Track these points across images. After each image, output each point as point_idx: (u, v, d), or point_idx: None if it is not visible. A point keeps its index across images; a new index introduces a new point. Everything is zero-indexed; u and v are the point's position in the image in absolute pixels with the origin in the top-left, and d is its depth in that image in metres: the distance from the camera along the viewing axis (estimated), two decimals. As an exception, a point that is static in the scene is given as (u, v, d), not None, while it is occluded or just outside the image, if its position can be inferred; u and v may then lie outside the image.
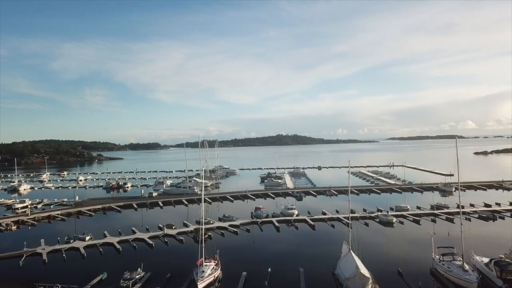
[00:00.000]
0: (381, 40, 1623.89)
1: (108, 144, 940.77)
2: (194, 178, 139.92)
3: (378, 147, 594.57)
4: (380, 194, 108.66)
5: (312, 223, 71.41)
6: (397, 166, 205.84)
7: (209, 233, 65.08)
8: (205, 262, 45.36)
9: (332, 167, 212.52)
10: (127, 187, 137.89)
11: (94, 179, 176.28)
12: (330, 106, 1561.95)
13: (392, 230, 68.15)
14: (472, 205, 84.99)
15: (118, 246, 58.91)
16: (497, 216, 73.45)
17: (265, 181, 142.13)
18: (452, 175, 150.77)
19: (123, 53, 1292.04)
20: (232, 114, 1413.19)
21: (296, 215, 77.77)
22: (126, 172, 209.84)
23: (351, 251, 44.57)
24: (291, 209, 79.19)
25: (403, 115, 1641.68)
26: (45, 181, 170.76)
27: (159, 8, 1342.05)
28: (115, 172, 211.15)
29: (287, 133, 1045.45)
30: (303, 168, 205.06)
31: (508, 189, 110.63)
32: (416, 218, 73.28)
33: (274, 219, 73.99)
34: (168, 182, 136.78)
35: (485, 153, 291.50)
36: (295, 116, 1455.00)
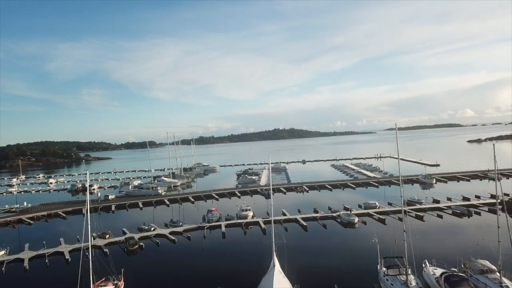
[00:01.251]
0: (377, 31, 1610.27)
1: (103, 143, 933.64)
2: (163, 178, 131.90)
3: (374, 138, 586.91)
4: (355, 189, 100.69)
5: (263, 226, 63.54)
6: (385, 157, 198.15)
7: (141, 243, 57.15)
8: (101, 285, 37.44)
9: (317, 160, 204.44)
10: (93, 190, 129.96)
11: (66, 182, 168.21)
12: (328, 98, 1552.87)
13: (350, 232, 60.22)
14: (449, 199, 77.28)
15: (25, 264, 50.72)
16: (473, 212, 65.40)
17: (239, 178, 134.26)
18: (438, 165, 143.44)
19: (118, 52, 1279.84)
20: (230, 110, 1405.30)
21: (252, 217, 70.13)
22: (104, 173, 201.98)
23: (275, 265, 36.75)
24: (245, 210, 71.22)
25: (402, 106, 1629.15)
26: (14, 185, 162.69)
27: (153, 6, 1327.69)
28: (92, 173, 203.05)
29: (284, 127, 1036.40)
30: (287, 163, 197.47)
31: (493, 179, 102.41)
32: (382, 217, 65.23)
33: (223, 223, 66.09)
34: (136, 182, 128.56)
35: (479, 141, 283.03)
36: (293, 110, 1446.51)
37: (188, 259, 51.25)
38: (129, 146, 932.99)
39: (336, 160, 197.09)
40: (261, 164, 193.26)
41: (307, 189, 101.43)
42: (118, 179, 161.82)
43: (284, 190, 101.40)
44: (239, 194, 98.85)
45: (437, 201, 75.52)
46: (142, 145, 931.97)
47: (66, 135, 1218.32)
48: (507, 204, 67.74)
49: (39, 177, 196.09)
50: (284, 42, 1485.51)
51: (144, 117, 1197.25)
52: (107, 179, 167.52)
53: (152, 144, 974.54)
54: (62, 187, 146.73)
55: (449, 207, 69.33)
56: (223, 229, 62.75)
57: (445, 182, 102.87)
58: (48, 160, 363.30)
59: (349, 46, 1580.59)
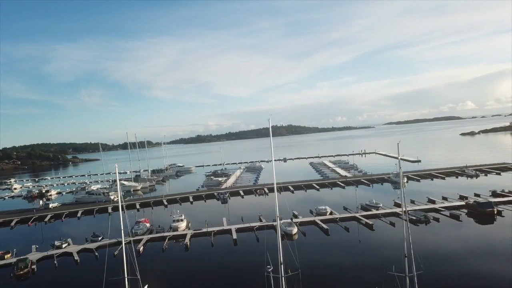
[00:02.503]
0: (375, 25, 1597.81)
1: (99, 144, 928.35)
2: (122, 182, 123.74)
3: (371, 133, 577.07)
4: (319, 190, 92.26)
5: (186, 241, 55.12)
6: (369, 153, 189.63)
7: (34, 266, 49.00)
8: None
9: (299, 158, 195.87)
10: (50, 195, 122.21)
11: (31, 187, 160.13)
12: (327, 94, 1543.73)
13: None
14: (412, 202, 68.90)
15: None
16: (431, 219, 56.85)
17: (205, 180, 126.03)
18: (419, 161, 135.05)
19: (116, 52, 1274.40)
20: (230, 107, 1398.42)
21: (186, 228, 62.13)
22: (78, 176, 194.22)
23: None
24: (177, 221, 62.96)
25: (402, 99, 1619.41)
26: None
27: (149, 5, 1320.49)
28: (65, 177, 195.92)
29: (284, 123, 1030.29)
30: (267, 161, 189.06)
31: (470, 176, 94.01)
32: (326, 226, 56.79)
33: (147, 237, 58.00)
34: (94, 187, 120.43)
35: (472, 133, 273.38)
36: (294, 106, 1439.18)
37: (88, 285, 42.91)
38: (126, 146, 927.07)
39: (318, 157, 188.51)
40: (240, 163, 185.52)
41: (267, 191, 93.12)
42: (85, 183, 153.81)
43: (242, 194, 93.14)
44: (191, 200, 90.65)
45: (398, 205, 67.08)
46: (138, 145, 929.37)
47: (66, 137, 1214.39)
48: (470, 208, 59.56)
49: (9, 182, 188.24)
50: (281, 38, 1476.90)
51: (144, 116, 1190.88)
52: (74, 183, 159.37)
53: (149, 144, 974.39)
54: (23, 193, 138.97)
55: (406, 212, 60.58)
56: (141, 245, 54.60)
57: (418, 180, 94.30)
58: (33, 163, 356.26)
59: (347, 41, 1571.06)
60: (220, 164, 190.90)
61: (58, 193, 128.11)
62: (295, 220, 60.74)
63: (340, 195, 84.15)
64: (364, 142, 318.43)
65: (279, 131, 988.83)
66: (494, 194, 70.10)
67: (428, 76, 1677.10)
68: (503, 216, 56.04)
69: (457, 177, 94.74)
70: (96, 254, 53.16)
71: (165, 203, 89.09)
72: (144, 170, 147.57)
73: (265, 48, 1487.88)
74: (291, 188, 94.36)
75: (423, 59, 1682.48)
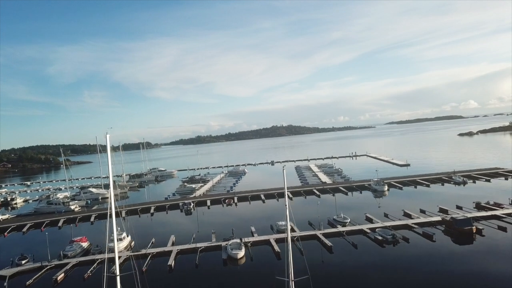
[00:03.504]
0: (375, 25, 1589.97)
1: (97, 146, 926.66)
2: (90, 189, 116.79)
3: (370, 133, 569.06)
4: (292, 199, 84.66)
5: (118, 264, 47.66)
6: (360, 155, 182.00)
7: None
8: None
9: (287, 161, 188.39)
10: (15, 204, 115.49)
11: (4, 193, 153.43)
12: (329, 94, 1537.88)
13: (224, 270, 44.52)
14: (386, 216, 61.67)
15: None
16: (400, 238, 49.22)
17: (178, 187, 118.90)
18: (408, 165, 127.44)
19: (118, 53, 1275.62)
20: (232, 107, 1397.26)
21: (122, 250, 54.99)
22: (58, 181, 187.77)
23: None
24: (117, 239, 55.49)
25: (404, 99, 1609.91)
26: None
27: (150, 6, 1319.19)
28: (45, 182, 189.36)
29: (285, 123, 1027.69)
30: (254, 165, 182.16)
31: (458, 183, 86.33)
32: (277, 248, 49.15)
33: (75, 260, 50.79)
34: (60, 195, 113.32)
35: (470, 134, 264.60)
36: (295, 106, 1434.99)
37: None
38: (124, 148, 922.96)
39: (307, 160, 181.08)
40: (226, 167, 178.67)
41: (236, 201, 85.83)
42: (60, 189, 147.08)
43: (209, 204, 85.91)
44: (152, 211, 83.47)
45: (370, 220, 59.66)
46: (137, 146, 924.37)
47: (67, 138, 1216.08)
48: (447, 225, 52.10)
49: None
50: (282, 38, 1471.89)
51: (146, 117, 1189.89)
52: (49, 189, 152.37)
53: (147, 145, 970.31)
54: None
55: (373, 230, 53.24)
56: (61, 273, 47.33)
57: (400, 188, 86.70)
58: (24, 166, 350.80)
59: (348, 41, 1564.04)
60: (206, 168, 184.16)
61: (25, 201, 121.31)
62: (246, 239, 53.25)
63: (311, 205, 76.53)
64: (360, 143, 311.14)
65: (279, 131, 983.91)
66: (478, 206, 62.59)
67: (429, 75, 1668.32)
68: (483, 236, 48.38)
69: (442, 184, 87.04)
70: (8, 283, 45.79)
71: (123, 215, 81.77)
72: (118, 176, 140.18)
73: (266, 48, 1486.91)
74: (263, 197, 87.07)
75: (425, 58, 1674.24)
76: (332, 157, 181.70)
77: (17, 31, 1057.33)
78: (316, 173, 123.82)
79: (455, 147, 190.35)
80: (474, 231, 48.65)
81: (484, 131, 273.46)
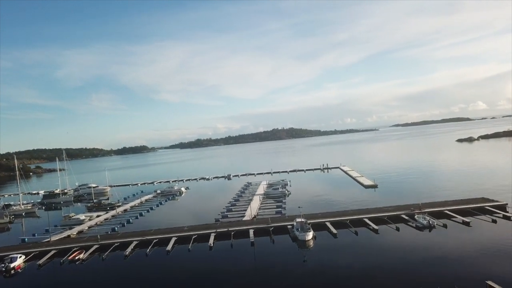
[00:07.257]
0: (383, 25, 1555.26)
1: (94, 150, 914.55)
2: None
3: (369, 137, 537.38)
4: (174, 247, 56.82)
5: None
6: (332, 168, 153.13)
7: None
8: None
9: (245, 174, 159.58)
10: None
11: None
12: (336, 95, 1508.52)
13: None
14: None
15: None
16: None
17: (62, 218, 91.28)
18: (376, 186, 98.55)
19: (124, 56, 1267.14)
20: (239, 109, 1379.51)
21: None
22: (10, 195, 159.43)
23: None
24: None
25: (412, 100, 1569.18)
26: None
27: (157, 9, 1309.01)
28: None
29: (290, 126, 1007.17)
30: (208, 179, 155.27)
31: (420, 228, 56.94)
32: None
33: None
34: None
35: (469, 139, 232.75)
36: (302, 108, 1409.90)
37: None
38: (121, 152, 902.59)
39: (270, 173, 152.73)
40: (159, 183, 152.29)
41: (83, 257, 58.04)
42: None
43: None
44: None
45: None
46: (134, 150, 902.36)
47: (72, 141, 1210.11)
48: None
49: None
50: (289, 40, 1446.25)
51: (153, 120, 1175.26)
52: None
53: (144, 149, 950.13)
54: None
55: None
56: None
57: (334, 236, 57.44)
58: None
59: (356, 41, 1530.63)
60: (143, 183, 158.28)
61: None
62: None
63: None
64: (348, 150, 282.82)
65: (279, 134, 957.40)
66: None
67: (438, 76, 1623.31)
68: None
69: (398, 230, 57.45)
70: None
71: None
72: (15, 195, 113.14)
73: (273, 50, 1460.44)
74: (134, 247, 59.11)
75: (433, 58, 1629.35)
76: (299, 170, 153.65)
77: (24, 35, 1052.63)
78: (254, 196, 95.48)
79: (446, 158, 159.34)
80: None
81: (485, 137, 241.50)
